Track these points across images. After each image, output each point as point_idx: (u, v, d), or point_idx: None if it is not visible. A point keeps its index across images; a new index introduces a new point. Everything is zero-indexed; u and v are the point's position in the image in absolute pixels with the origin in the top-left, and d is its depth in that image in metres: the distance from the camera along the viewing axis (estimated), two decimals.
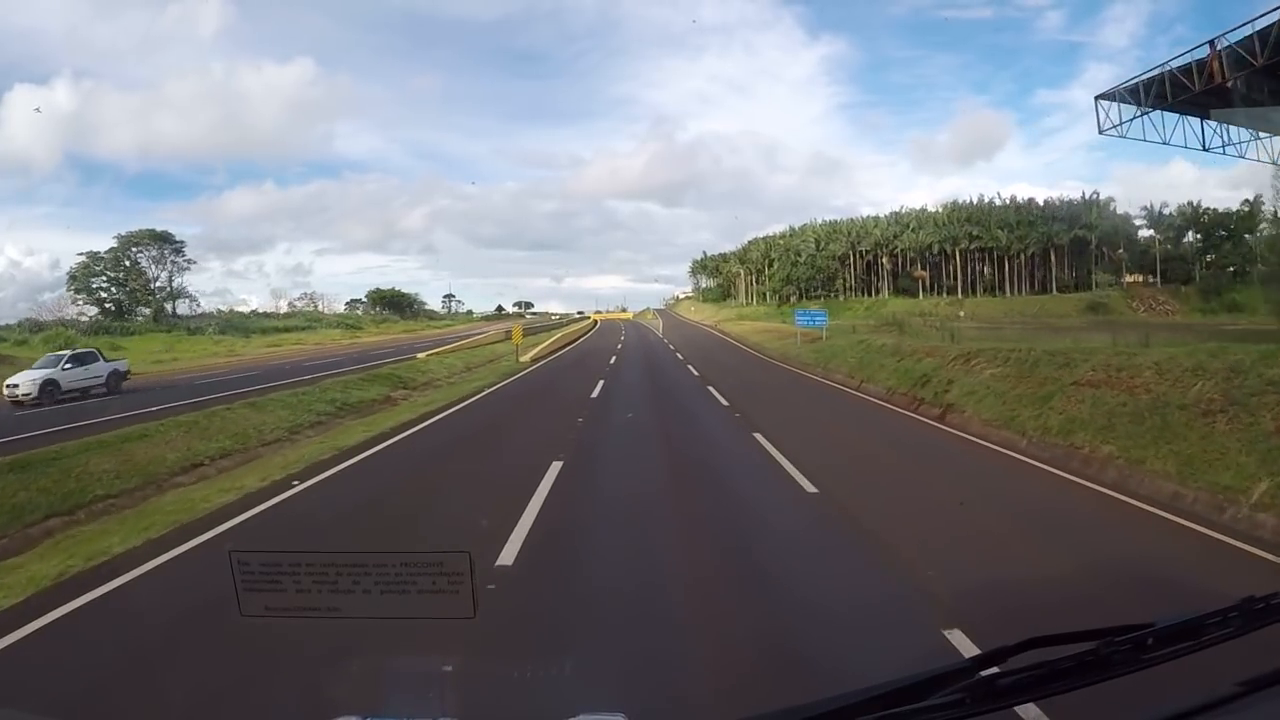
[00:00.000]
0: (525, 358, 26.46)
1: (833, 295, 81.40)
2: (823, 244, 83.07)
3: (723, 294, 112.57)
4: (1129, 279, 70.88)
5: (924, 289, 74.57)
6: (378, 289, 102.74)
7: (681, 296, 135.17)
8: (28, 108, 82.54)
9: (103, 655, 3.67)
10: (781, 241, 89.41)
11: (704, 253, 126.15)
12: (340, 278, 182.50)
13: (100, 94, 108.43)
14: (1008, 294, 72.22)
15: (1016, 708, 1.01)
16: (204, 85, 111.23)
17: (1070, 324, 44.47)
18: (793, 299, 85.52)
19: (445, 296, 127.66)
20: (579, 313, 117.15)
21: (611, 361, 25.49)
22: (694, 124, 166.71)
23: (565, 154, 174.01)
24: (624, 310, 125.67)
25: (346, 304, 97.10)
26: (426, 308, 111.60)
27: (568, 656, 3.36)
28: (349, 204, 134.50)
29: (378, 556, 1.29)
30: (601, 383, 17.64)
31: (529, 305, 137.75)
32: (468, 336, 38.98)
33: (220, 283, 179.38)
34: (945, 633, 3.50)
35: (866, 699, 0.89)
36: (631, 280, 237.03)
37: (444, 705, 2.06)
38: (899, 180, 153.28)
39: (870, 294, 79.88)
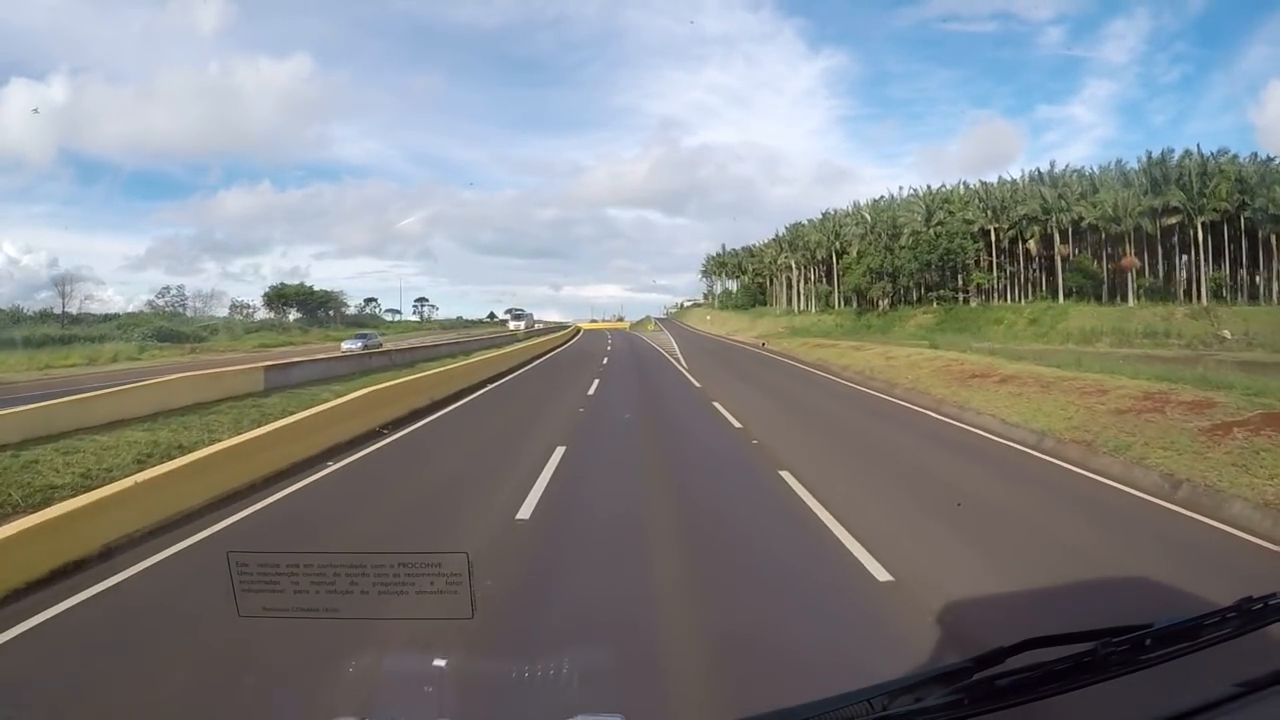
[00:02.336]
0: None
1: (957, 297, 52.76)
2: (933, 217, 54.21)
3: (751, 299, 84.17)
4: None
5: (1132, 289, 45.56)
6: (282, 284, 76.16)
7: (687, 304, 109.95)
8: (25, 106, 75.29)
9: None
10: (865, 217, 60.64)
11: (723, 246, 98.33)
12: (338, 281, 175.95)
13: (102, 92, 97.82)
14: (1270, 300, 43.88)
15: (1013, 708, 0.97)
16: (205, 85, 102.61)
17: None
18: (883, 304, 57.03)
19: (417, 300, 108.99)
20: (512, 315, 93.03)
21: None
22: (695, 134, 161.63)
23: (565, 162, 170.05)
24: (620, 319, 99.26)
25: (231, 306, 70.62)
26: (383, 311, 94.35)
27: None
28: (347, 208, 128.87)
29: (375, 558, 1.29)
30: None
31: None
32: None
33: (216, 284, 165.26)
34: None
35: (865, 699, 0.87)
36: (630, 289, 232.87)
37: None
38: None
39: (1015, 297, 51.42)
